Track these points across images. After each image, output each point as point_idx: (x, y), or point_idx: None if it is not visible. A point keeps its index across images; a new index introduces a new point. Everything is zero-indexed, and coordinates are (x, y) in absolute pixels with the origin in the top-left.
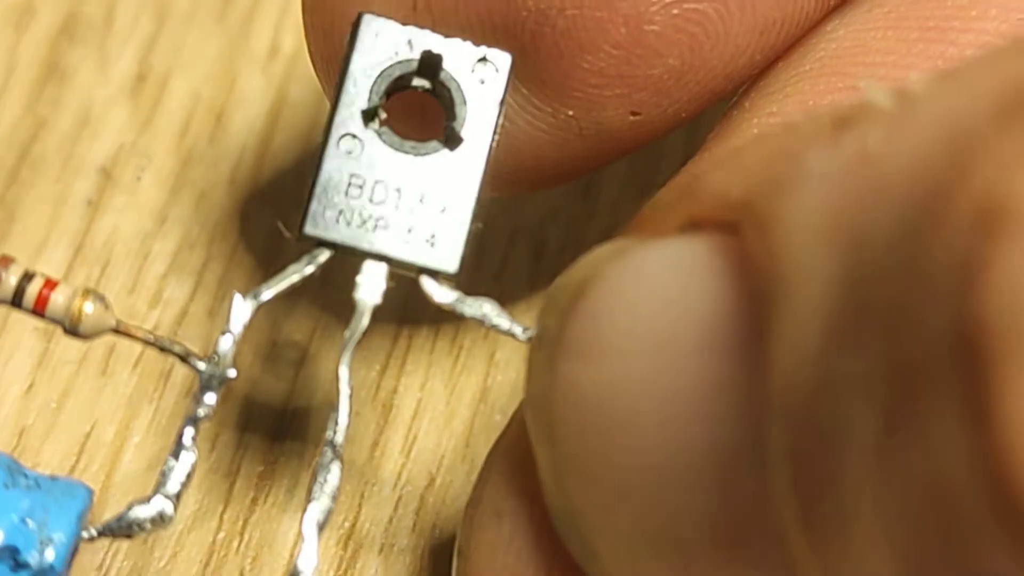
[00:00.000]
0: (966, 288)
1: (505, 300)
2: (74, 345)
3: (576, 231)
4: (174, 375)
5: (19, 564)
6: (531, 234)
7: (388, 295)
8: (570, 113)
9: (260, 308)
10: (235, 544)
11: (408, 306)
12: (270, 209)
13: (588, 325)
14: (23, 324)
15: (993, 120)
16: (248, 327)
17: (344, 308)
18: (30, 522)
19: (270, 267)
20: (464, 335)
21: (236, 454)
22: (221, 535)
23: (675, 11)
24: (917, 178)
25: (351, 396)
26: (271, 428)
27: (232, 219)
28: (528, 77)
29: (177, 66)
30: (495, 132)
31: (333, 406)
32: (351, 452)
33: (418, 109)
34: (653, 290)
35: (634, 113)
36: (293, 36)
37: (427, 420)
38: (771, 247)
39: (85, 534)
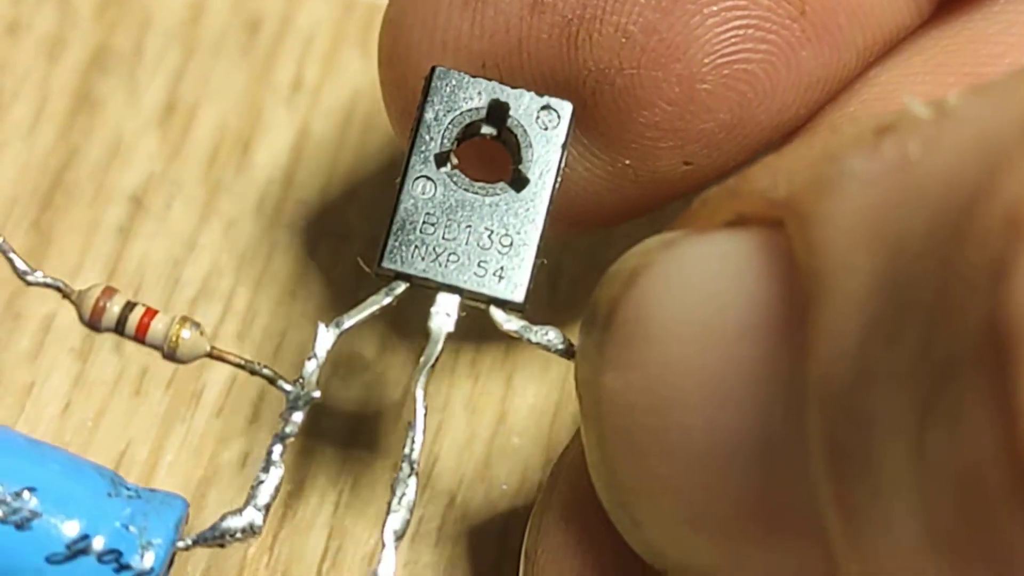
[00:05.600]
0: (994, 288)
1: None
2: (109, 366)
3: (592, 261)
4: (205, 395)
5: (122, 566)
6: (549, 263)
7: (412, 324)
8: (627, 162)
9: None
10: (265, 560)
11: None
12: (296, 237)
13: (637, 311)
14: (59, 345)
15: (1020, 135)
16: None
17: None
18: (132, 528)
19: (297, 292)
20: (483, 361)
21: None
22: (252, 551)
23: (725, 71)
24: (952, 184)
25: (425, 416)
26: (298, 447)
27: (259, 246)
28: (588, 128)
29: (204, 97)
30: (558, 174)
31: (409, 425)
32: (373, 474)
33: (487, 155)
34: (700, 279)
35: (687, 163)
36: (316, 70)
37: (448, 441)
38: (813, 244)
39: (181, 544)
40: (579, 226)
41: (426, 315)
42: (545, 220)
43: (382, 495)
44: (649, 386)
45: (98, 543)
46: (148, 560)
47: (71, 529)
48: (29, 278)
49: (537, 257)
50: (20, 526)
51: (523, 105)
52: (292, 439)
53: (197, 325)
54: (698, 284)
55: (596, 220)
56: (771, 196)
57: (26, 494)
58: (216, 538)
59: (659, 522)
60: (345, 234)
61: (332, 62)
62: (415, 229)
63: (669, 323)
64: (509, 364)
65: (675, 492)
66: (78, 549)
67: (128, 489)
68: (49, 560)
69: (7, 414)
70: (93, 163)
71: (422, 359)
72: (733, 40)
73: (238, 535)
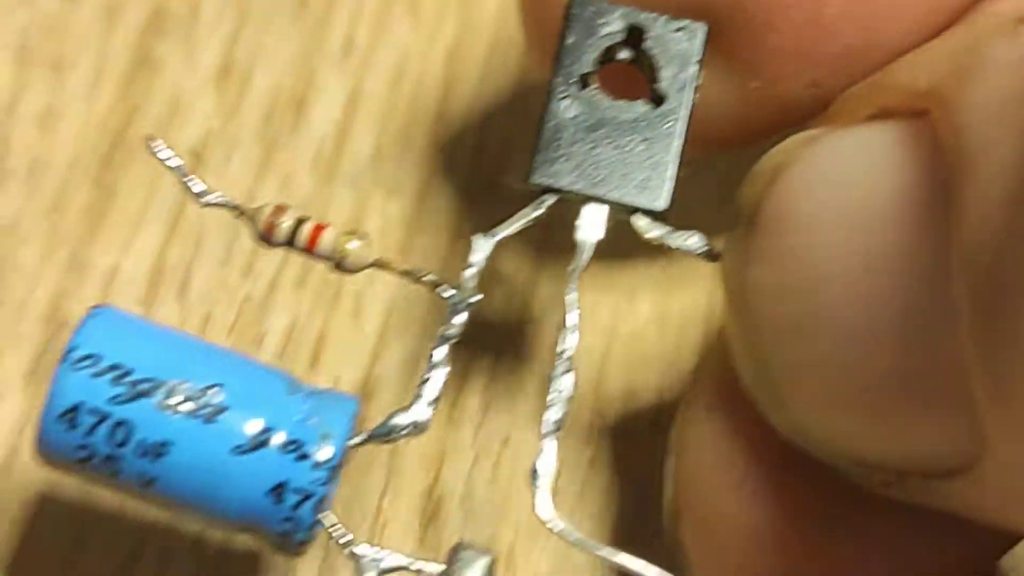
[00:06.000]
0: None
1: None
2: (173, 314)
3: None
4: (266, 341)
5: (302, 456)
6: None
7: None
8: (755, 85)
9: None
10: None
11: (483, 279)
12: (349, 191)
13: (782, 203)
14: (124, 295)
15: None
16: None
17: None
18: (311, 421)
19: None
20: (534, 304)
21: None
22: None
23: None
24: None
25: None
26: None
27: (315, 200)
28: (718, 52)
29: (259, 59)
30: (694, 90)
31: (560, 326)
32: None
33: (624, 79)
34: (845, 169)
35: (813, 86)
36: (366, 32)
37: (500, 385)
38: (957, 126)
39: (353, 441)
40: (710, 148)
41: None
42: (685, 132)
43: (436, 437)
44: (797, 272)
45: (280, 435)
46: (327, 451)
47: (255, 423)
48: (205, 199)
49: (679, 167)
50: (208, 420)
51: (659, 28)
52: (455, 340)
53: (364, 236)
54: (843, 173)
55: (725, 142)
56: (914, 88)
57: (213, 390)
58: (385, 435)
59: (807, 402)
60: (395, 188)
61: (382, 24)
62: (560, 146)
63: (815, 212)
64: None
65: (823, 371)
66: (261, 441)
67: (304, 388)
68: (234, 451)
69: None
70: (153, 122)
71: (570, 267)
72: None
73: (406, 431)
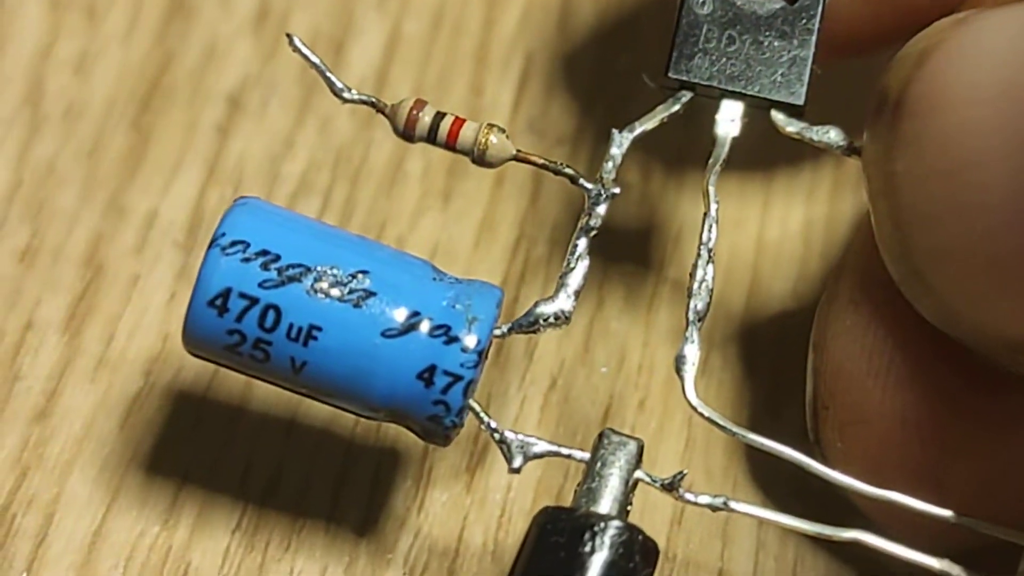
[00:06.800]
0: None
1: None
2: None
3: None
4: None
5: (451, 339)
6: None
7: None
8: None
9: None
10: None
11: (526, 221)
12: (389, 135)
13: (932, 83)
14: (163, 239)
15: None
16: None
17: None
18: (458, 306)
19: (392, 186)
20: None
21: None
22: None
23: None
24: None
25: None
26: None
27: (355, 143)
28: None
29: (296, 2)
30: None
31: (705, 216)
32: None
33: None
34: (998, 46)
35: None
36: None
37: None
38: None
39: (498, 332)
40: (839, 51)
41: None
42: (819, 28)
43: (484, 380)
44: (945, 154)
45: (428, 319)
46: (475, 334)
47: (403, 307)
48: (345, 95)
49: (813, 64)
50: (356, 304)
51: None
52: (596, 232)
53: (503, 130)
54: (996, 51)
55: (855, 45)
56: None
57: (360, 276)
58: (531, 324)
59: (955, 284)
60: None
61: None
62: (697, 42)
63: (966, 91)
64: (605, 252)
65: (971, 253)
66: (410, 324)
67: (448, 276)
68: (384, 335)
69: (114, 304)
70: (189, 67)
71: (710, 160)
72: None
73: (550, 320)
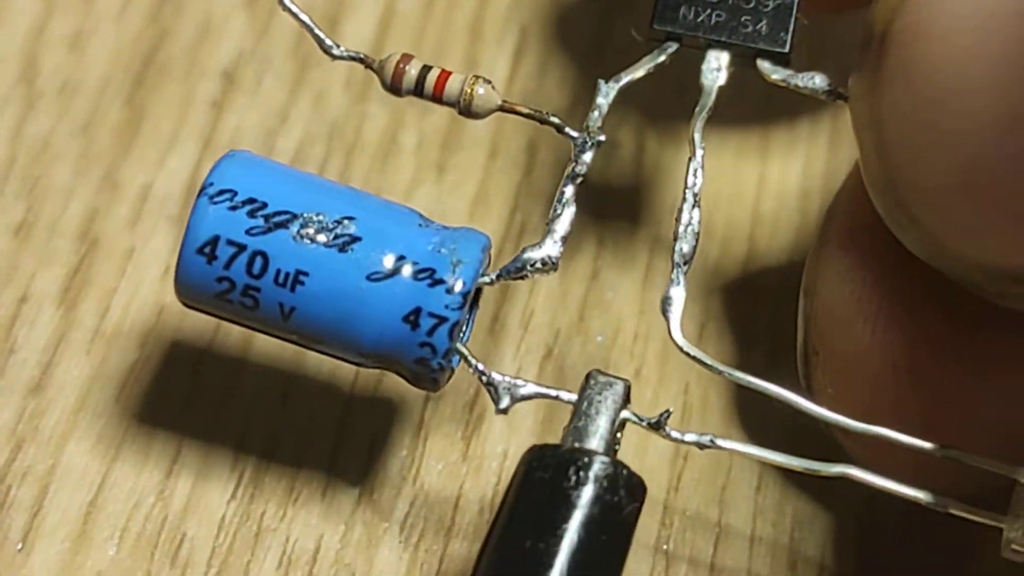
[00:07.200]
0: None
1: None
2: None
3: None
4: None
5: (435, 281)
6: None
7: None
8: None
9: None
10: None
11: (520, 194)
12: (384, 108)
13: (919, 13)
14: (157, 213)
15: None
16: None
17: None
18: (443, 250)
19: (386, 159)
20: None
21: None
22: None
23: None
24: None
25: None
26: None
27: (349, 117)
28: None
29: None
30: None
31: (690, 160)
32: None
33: None
34: None
35: None
36: None
37: (542, 297)
38: None
39: (485, 279)
40: (822, 5)
41: None
42: None
43: (479, 349)
44: (932, 83)
45: (413, 263)
46: (460, 276)
47: (388, 251)
48: (334, 52)
49: (797, 12)
50: (342, 249)
51: None
52: (582, 179)
53: (488, 81)
54: None
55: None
56: None
57: (345, 222)
58: (518, 270)
59: (939, 214)
60: (427, 108)
61: None
62: None
63: (951, 20)
64: (600, 226)
65: (956, 180)
66: (395, 268)
67: (434, 223)
68: (370, 278)
69: (109, 277)
70: (184, 43)
71: (697, 108)
72: None
73: (538, 265)
